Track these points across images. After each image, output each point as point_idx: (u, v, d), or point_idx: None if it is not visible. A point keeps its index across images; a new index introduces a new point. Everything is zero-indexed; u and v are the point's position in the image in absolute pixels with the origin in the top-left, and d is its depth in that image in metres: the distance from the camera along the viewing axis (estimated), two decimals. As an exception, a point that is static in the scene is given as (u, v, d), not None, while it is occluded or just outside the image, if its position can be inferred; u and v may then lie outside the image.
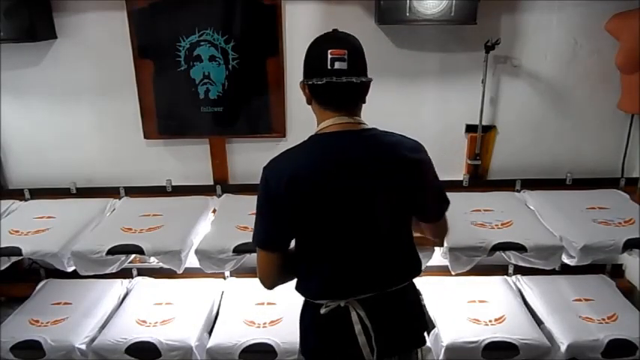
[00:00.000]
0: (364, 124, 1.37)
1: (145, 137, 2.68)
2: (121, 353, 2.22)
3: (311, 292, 1.44)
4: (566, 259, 2.20)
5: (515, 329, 2.26)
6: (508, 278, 2.70)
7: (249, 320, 2.37)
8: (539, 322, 2.36)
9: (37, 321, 2.40)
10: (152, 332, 2.29)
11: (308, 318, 1.49)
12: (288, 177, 1.29)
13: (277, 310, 2.42)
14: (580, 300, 2.47)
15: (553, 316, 2.34)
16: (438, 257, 2.20)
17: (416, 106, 2.63)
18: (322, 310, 1.40)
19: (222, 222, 2.41)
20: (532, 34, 2.49)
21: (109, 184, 2.76)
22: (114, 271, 2.28)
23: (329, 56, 1.29)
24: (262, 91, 2.59)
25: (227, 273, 2.71)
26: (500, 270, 2.71)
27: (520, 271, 2.63)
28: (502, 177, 2.73)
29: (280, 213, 1.33)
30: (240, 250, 2.15)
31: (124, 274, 2.67)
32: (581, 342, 2.18)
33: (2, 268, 2.27)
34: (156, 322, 2.37)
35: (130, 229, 2.34)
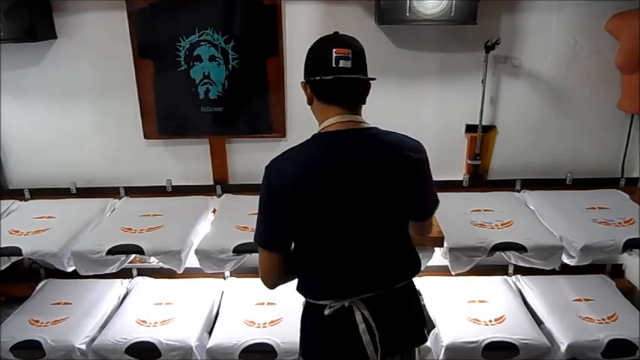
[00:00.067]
0: (365, 123, 1.37)
1: (145, 137, 2.68)
2: (121, 353, 2.22)
3: (313, 293, 1.44)
4: (566, 259, 2.20)
5: (515, 329, 2.26)
6: (508, 278, 2.70)
7: (249, 320, 2.37)
8: (539, 322, 2.36)
9: (37, 321, 2.40)
10: (152, 332, 2.29)
11: (310, 320, 1.48)
12: (290, 177, 1.29)
13: (277, 310, 2.42)
14: (580, 300, 2.47)
15: (553, 316, 2.35)
16: (438, 257, 2.20)
17: (416, 106, 2.63)
18: (326, 311, 1.40)
19: (222, 222, 2.41)
20: (532, 34, 2.49)
21: (109, 184, 2.76)
22: (114, 271, 2.28)
23: (334, 55, 1.29)
24: (262, 91, 2.59)
25: (227, 273, 2.71)
26: (500, 270, 2.71)
27: (520, 271, 2.63)
28: (502, 177, 2.73)
29: (282, 213, 1.33)
30: (240, 250, 2.15)
31: (124, 274, 2.67)
32: (581, 342, 2.18)
33: (2, 268, 2.28)
34: (156, 322, 2.37)
35: (130, 229, 2.34)
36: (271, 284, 1.44)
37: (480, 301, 2.47)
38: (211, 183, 2.77)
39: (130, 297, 2.62)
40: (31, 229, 2.39)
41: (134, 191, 2.76)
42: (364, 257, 1.39)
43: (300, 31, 2.47)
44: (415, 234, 1.54)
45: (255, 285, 2.48)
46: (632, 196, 2.58)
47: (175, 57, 2.52)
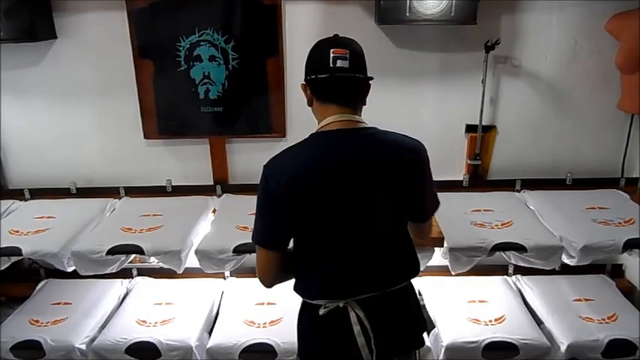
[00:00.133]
0: (364, 122, 1.38)
1: (145, 137, 2.68)
2: (121, 353, 2.22)
3: (309, 293, 1.44)
4: (566, 259, 2.20)
5: (515, 329, 2.26)
6: (508, 278, 2.70)
7: (249, 320, 2.37)
8: (539, 322, 2.36)
9: (37, 321, 2.40)
10: (152, 332, 2.29)
11: (306, 319, 1.48)
12: (287, 176, 1.29)
13: (277, 310, 2.42)
14: (580, 300, 2.47)
15: (553, 316, 2.35)
16: (438, 257, 2.20)
17: (416, 106, 2.63)
18: (321, 311, 1.40)
19: (222, 222, 2.41)
20: (532, 34, 2.49)
21: (109, 184, 2.76)
22: (114, 271, 2.28)
23: (331, 55, 1.30)
24: (262, 91, 2.59)
25: (227, 273, 2.71)
26: (500, 270, 2.71)
27: (520, 271, 2.63)
28: (502, 177, 2.73)
29: (280, 212, 1.33)
30: (240, 250, 2.15)
31: (124, 274, 2.67)
32: (581, 342, 2.18)
33: (2, 268, 2.28)
34: (156, 322, 2.37)
35: (130, 229, 2.34)
36: (268, 283, 1.45)
37: (480, 301, 2.47)
38: (211, 183, 2.77)
39: (130, 297, 2.62)
40: (31, 229, 2.39)
41: (134, 191, 2.76)
42: (361, 257, 1.38)
43: (300, 31, 2.47)
44: (414, 236, 1.53)
45: (255, 285, 2.47)
46: (632, 196, 2.58)
47: (175, 57, 2.52)
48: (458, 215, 2.37)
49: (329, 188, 1.31)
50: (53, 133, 2.72)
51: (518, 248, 2.15)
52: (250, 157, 2.71)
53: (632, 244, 2.15)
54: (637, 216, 2.32)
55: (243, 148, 2.72)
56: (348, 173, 1.31)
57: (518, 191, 2.70)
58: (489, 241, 2.16)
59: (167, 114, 2.63)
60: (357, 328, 1.39)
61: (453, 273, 2.20)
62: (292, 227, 1.37)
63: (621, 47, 2.38)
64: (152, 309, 2.48)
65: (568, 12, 2.46)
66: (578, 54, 2.52)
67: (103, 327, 2.39)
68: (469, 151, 2.67)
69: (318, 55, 1.35)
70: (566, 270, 2.43)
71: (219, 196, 2.73)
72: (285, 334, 2.24)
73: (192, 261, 2.24)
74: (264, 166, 1.35)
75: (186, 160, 2.76)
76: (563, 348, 2.18)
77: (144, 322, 2.37)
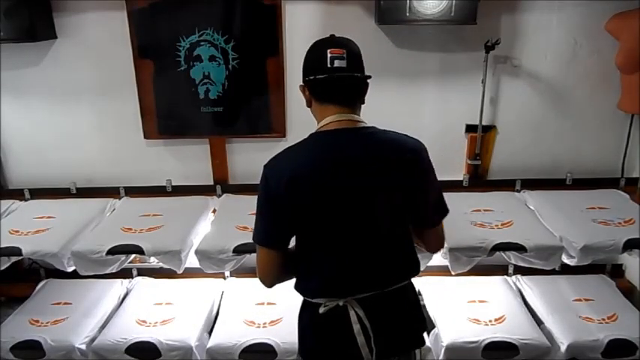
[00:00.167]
0: (363, 122, 1.38)
1: (145, 137, 2.68)
2: (121, 353, 2.22)
3: (310, 292, 1.44)
4: (566, 259, 2.20)
5: (515, 329, 2.26)
6: (508, 278, 2.70)
7: (249, 320, 2.37)
8: (539, 322, 2.36)
9: (37, 321, 2.40)
10: (152, 332, 2.29)
11: (306, 318, 1.49)
12: (287, 176, 1.29)
13: (277, 310, 2.42)
14: (580, 300, 2.47)
15: (553, 316, 2.34)
16: (438, 257, 2.19)
17: (416, 106, 2.63)
18: (321, 310, 1.40)
19: (222, 222, 2.41)
20: (532, 34, 2.49)
21: (109, 184, 2.76)
22: (114, 271, 2.28)
23: (328, 55, 1.31)
24: (262, 91, 2.59)
25: (227, 273, 2.71)
26: (500, 270, 2.71)
27: (520, 271, 2.63)
28: (502, 177, 2.73)
29: (280, 212, 1.34)
30: (240, 250, 2.15)
31: (124, 274, 2.67)
32: (581, 342, 2.18)
33: (2, 268, 2.28)
34: (156, 322, 2.37)
35: (130, 229, 2.34)
36: (269, 282, 1.45)
37: (480, 301, 2.47)
38: (211, 183, 2.77)
39: (130, 297, 2.62)
40: (31, 229, 2.39)
41: (134, 191, 2.76)
42: (360, 257, 1.39)
43: (300, 31, 2.47)
44: (426, 248, 1.52)
45: (255, 285, 2.47)
46: (632, 196, 2.57)
47: (175, 57, 2.52)
48: (458, 215, 2.36)
49: (329, 188, 1.31)
50: (53, 133, 2.72)
51: (518, 248, 2.15)
52: (250, 157, 2.71)
53: (632, 244, 2.15)
54: (637, 216, 2.32)
55: (243, 148, 2.72)
56: (347, 173, 1.31)
57: (518, 191, 2.70)
58: (489, 241, 2.15)
59: (167, 114, 2.63)
60: (356, 327, 1.39)
61: (453, 273, 2.20)
62: (292, 227, 1.37)
63: (621, 47, 2.38)
64: (152, 309, 2.48)
65: (568, 12, 2.46)
66: (578, 54, 2.52)
67: (103, 327, 2.39)
68: (469, 151, 2.67)
69: (315, 55, 1.35)
70: (566, 270, 2.43)
71: (219, 196, 2.73)
72: (285, 334, 2.24)
73: (192, 261, 2.24)
74: (265, 166, 1.35)
75: (186, 160, 2.76)
76: (563, 348, 2.18)
77: (144, 322, 2.37)
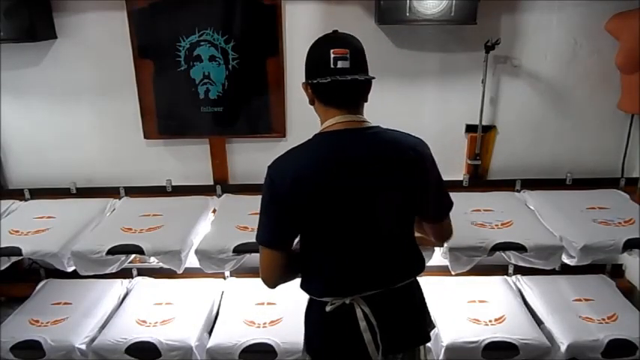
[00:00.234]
0: (367, 122, 1.38)
1: (145, 137, 2.68)
2: (121, 353, 2.22)
3: (316, 291, 1.45)
4: (566, 259, 2.20)
5: (515, 329, 2.26)
6: (508, 278, 2.70)
7: (249, 320, 2.37)
8: (539, 322, 2.36)
9: (37, 321, 2.40)
10: (152, 332, 2.29)
11: (313, 317, 1.49)
12: (292, 177, 1.30)
13: (277, 310, 2.42)
14: (580, 300, 2.47)
15: (553, 316, 2.35)
16: (438, 257, 2.20)
17: (416, 106, 2.63)
18: (328, 308, 1.41)
19: (222, 222, 2.41)
20: (532, 34, 2.49)
21: (109, 184, 2.76)
22: (114, 271, 2.28)
23: (332, 55, 1.29)
24: (262, 91, 2.59)
25: (227, 273, 2.71)
26: (500, 270, 2.71)
27: (520, 271, 2.63)
28: (502, 177, 2.73)
29: (285, 212, 1.34)
30: (240, 250, 2.15)
31: (124, 274, 2.67)
32: (581, 342, 2.18)
33: (2, 268, 2.27)
34: (156, 322, 2.37)
35: (130, 229, 2.34)
36: (272, 283, 1.45)
37: (480, 301, 2.47)
38: (211, 183, 2.77)
39: (130, 297, 2.62)
40: (31, 229, 2.39)
41: (134, 191, 2.76)
42: (366, 255, 1.39)
43: (300, 31, 2.47)
44: (434, 238, 1.54)
45: (255, 285, 2.48)
46: (632, 196, 2.58)
47: (175, 57, 2.52)
48: (458, 215, 2.32)
49: (334, 188, 1.31)
50: (53, 133, 2.72)
51: (518, 248, 2.15)
52: (250, 157, 2.72)
53: (632, 244, 2.15)
54: (637, 216, 2.32)
55: (243, 148, 2.72)
56: (351, 173, 1.31)
57: (518, 191, 2.70)
58: (489, 241, 2.16)
59: (167, 114, 2.63)
60: (363, 324, 1.40)
61: (453, 273, 2.20)
62: (297, 227, 1.38)
63: (621, 47, 2.38)
64: (152, 309, 2.48)
65: (568, 12, 2.46)
66: (578, 54, 2.52)
67: (103, 327, 2.39)
68: (469, 151, 2.67)
69: (317, 55, 1.34)
70: (566, 270, 2.43)
71: (219, 196, 2.73)
72: (285, 334, 2.25)
73: (192, 261, 2.24)
74: (269, 166, 1.35)
75: (186, 160, 2.76)
76: (563, 348, 2.18)
77: (144, 322, 2.37)
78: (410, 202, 1.40)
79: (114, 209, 2.65)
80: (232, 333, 2.29)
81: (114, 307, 2.56)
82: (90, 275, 2.25)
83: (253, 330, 2.31)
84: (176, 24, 2.47)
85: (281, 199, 1.32)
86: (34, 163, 2.78)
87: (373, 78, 1.36)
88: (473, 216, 2.39)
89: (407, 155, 1.35)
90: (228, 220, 2.39)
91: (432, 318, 2.34)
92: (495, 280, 2.66)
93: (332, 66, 1.30)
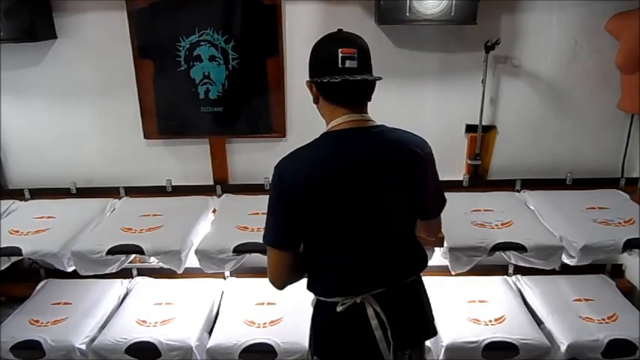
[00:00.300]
0: (372, 121, 1.38)
1: (145, 137, 2.68)
2: (121, 353, 2.22)
3: (324, 291, 1.45)
4: (566, 259, 2.20)
5: (515, 329, 2.26)
6: (508, 278, 2.70)
7: (249, 320, 2.37)
8: (539, 322, 2.36)
9: (37, 321, 2.40)
10: (152, 332, 2.29)
11: (322, 317, 1.49)
12: (302, 176, 1.30)
13: (277, 310, 2.42)
14: (580, 300, 2.47)
15: (553, 316, 2.35)
16: (438, 257, 2.20)
17: (416, 106, 2.63)
18: (339, 308, 1.41)
19: (222, 222, 2.41)
20: (532, 34, 2.49)
21: (109, 184, 2.76)
22: (114, 271, 2.28)
23: (339, 55, 1.29)
24: (262, 91, 2.59)
25: (227, 273, 2.71)
26: (500, 270, 2.71)
27: (520, 271, 2.63)
28: (502, 177, 2.73)
29: (293, 212, 1.34)
30: (240, 250, 2.15)
31: (124, 274, 2.67)
32: (581, 342, 2.18)
33: (2, 268, 2.28)
34: (156, 322, 2.37)
35: (130, 229, 2.34)
36: (280, 284, 1.44)
37: (480, 301, 2.47)
38: (211, 183, 2.77)
39: (130, 297, 2.62)
40: (31, 229, 2.39)
41: (134, 191, 2.76)
42: (374, 254, 1.40)
43: (300, 31, 2.47)
44: (424, 234, 1.55)
45: (255, 285, 2.49)
46: (632, 196, 2.57)
47: (175, 57, 2.52)
48: (458, 215, 2.37)
49: (341, 188, 1.32)
50: (53, 133, 2.72)
51: (518, 248, 2.15)
52: (250, 157, 2.71)
53: (632, 244, 2.15)
54: (637, 216, 2.32)
55: (243, 148, 2.72)
56: (357, 173, 1.32)
57: (518, 191, 2.70)
58: (489, 241, 2.16)
59: (167, 114, 2.63)
60: (374, 322, 1.41)
61: (453, 273, 2.20)
62: (306, 227, 1.37)
63: (621, 47, 2.38)
64: (152, 309, 2.48)
65: (568, 12, 2.46)
66: (578, 54, 2.52)
67: (103, 327, 2.39)
68: (469, 151, 2.67)
69: (324, 53, 1.33)
70: (566, 270, 2.43)
71: (219, 196, 2.73)
72: (285, 334, 2.25)
73: (192, 261, 2.24)
74: (277, 166, 1.35)
75: (186, 160, 2.76)
76: (563, 348, 2.18)
77: (144, 322, 2.37)
78: (411, 200, 1.42)
79: (114, 209, 2.65)
80: (232, 333, 2.29)
81: (114, 307, 2.56)
82: (90, 275, 2.25)
83: (253, 330, 2.31)
84: (176, 24, 2.47)
85: (290, 198, 1.32)
86: (34, 163, 2.78)
87: (380, 78, 1.36)
88: (473, 216, 2.39)
89: (410, 155, 1.36)
90: (228, 220, 2.39)
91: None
92: (495, 280, 2.66)
93: (340, 65, 1.29)
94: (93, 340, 2.30)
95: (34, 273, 2.84)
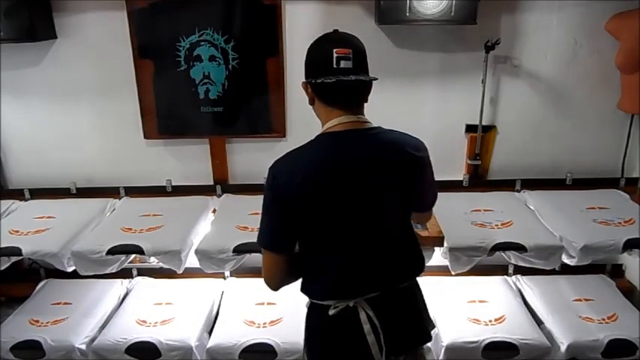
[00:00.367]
0: (369, 122, 1.37)
1: (145, 137, 2.68)
2: (121, 353, 2.22)
3: (317, 294, 1.44)
4: (566, 259, 2.20)
5: (515, 329, 2.26)
6: (508, 278, 2.70)
7: (249, 320, 2.37)
8: (539, 322, 2.36)
9: (37, 321, 2.40)
10: (152, 332, 2.29)
11: (315, 320, 1.48)
12: (296, 178, 1.29)
13: (277, 310, 2.42)
14: (580, 300, 2.47)
15: (553, 316, 2.35)
16: (438, 257, 2.20)
17: (416, 106, 2.63)
18: (331, 312, 1.40)
19: (222, 222, 2.41)
20: (532, 34, 2.49)
21: (109, 184, 2.76)
22: (114, 271, 2.28)
23: (334, 55, 1.28)
24: (262, 91, 2.59)
25: (227, 273, 2.71)
26: (500, 270, 2.71)
27: (520, 271, 2.63)
28: (502, 177, 2.73)
29: (287, 213, 1.33)
30: (240, 250, 2.15)
31: (124, 274, 2.67)
32: (581, 342, 2.18)
33: (2, 268, 2.28)
34: (156, 322, 2.37)
35: (130, 229, 2.34)
36: (274, 286, 1.44)
37: (480, 301, 2.47)
38: (211, 183, 2.77)
39: (130, 297, 2.62)
40: (31, 229, 2.39)
41: (134, 191, 2.76)
42: (369, 257, 1.39)
43: (300, 31, 2.47)
44: (415, 220, 1.58)
45: (255, 285, 2.49)
46: (632, 196, 2.58)
47: (175, 57, 2.52)
48: (458, 215, 2.37)
49: (335, 189, 1.31)
50: (53, 133, 2.72)
51: (518, 248, 2.15)
52: (250, 157, 2.72)
53: (632, 244, 2.15)
54: (637, 216, 2.32)
55: (243, 148, 2.72)
56: (353, 174, 1.31)
57: (518, 191, 2.70)
58: (489, 241, 2.16)
59: (167, 114, 2.63)
60: (367, 327, 1.40)
61: (453, 273, 2.20)
62: (300, 229, 1.36)
63: (621, 47, 2.38)
64: (152, 309, 2.48)
65: (568, 12, 2.46)
66: (578, 54, 2.52)
67: (103, 327, 2.39)
68: (469, 151, 2.67)
69: (319, 54, 1.32)
70: (566, 270, 2.43)
71: (219, 196, 2.73)
72: (285, 334, 2.25)
73: (192, 261, 2.24)
74: (271, 167, 1.34)
75: (186, 160, 2.76)
76: (563, 348, 2.18)
77: (144, 322, 2.37)
78: (406, 201, 1.42)
79: (114, 209, 2.65)
80: (232, 333, 2.29)
81: (114, 307, 2.56)
82: (90, 275, 2.25)
83: (253, 330, 2.31)
84: (176, 24, 2.47)
85: (285, 199, 1.31)
86: (34, 163, 2.78)
87: (376, 79, 1.35)
88: (473, 216, 2.39)
89: (406, 157, 1.35)
90: (228, 220, 2.39)
91: (432, 318, 2.35)
92: (495, 280, 2.66)
93: (335, 66, 1.29)
94: (93, 340, 2.30)
95: (34, 273, 2.84)
